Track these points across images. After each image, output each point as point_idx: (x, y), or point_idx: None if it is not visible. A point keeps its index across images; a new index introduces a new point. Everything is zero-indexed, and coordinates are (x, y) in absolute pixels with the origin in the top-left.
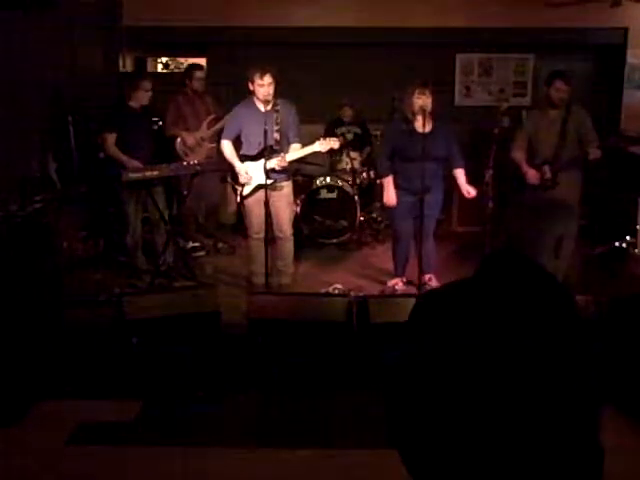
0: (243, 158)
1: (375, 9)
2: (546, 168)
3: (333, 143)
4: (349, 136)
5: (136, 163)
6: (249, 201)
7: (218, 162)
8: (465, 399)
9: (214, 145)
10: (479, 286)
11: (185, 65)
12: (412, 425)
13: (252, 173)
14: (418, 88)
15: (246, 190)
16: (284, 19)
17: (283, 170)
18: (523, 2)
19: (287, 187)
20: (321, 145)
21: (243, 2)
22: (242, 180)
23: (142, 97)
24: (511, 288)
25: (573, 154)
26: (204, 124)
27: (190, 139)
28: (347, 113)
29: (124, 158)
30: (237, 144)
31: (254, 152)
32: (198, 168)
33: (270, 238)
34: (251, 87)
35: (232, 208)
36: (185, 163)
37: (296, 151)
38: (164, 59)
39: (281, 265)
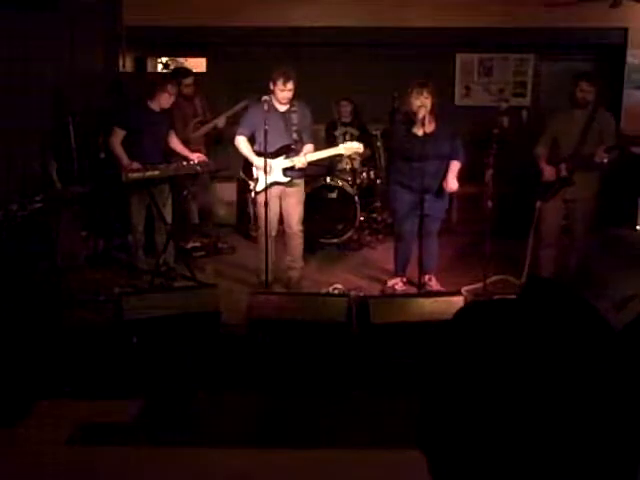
0: (258, 155)
1: (375, 9)
2: (562, 166)
3: (357, 148)
4: (347, 137)
5: (135, 164)
6: (262, 198)
7: (215, 163)
8: (494, 412)
9: (200, 147)
10: (522, 311)
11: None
12: (443, 426)
13: (270, 170)
14: (416, 88)
15: (259, 187)
16: (284, 19)
17: (300, 169)
18: (523, 2)
19: (300, 185)
20: (345, 149)
21: (243, 2)
22: (256, 174)
23: (165, 100)
24: (552, 321)
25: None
26: (189, 127)
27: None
28: (345, 109)
29: (124, 158)
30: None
31: (272, 150)
32: (198, 168)
33: (277, 234)
34: (272, 87)
35: (232, 208)
36: (185, 163)
37: (312, 152)
38: (164, 59)
39: (289, 260)
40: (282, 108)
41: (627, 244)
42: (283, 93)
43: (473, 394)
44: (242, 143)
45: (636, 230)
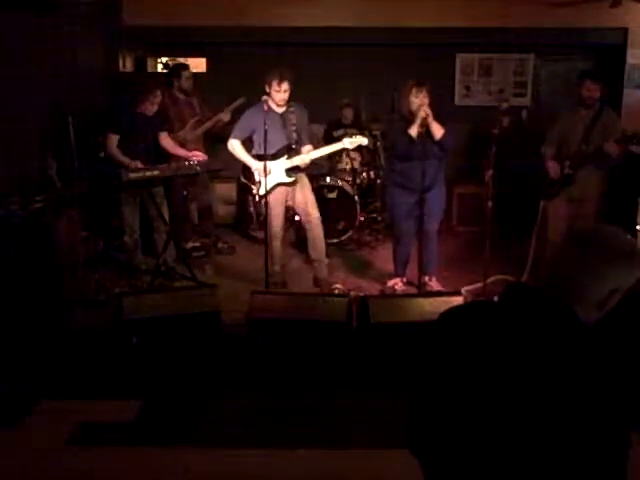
0: (257, 158)
1: (375, 9)
2: (566, 163)
3: (361, 140)
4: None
5: (136, 164)
6: (269, 200)
7: (214, 163)
8: (479, 411)
9: (199, 147)
10: (501, 315)
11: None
12: (432, 429)
13: (272, 171)
14: (414, 87)
15: (262, 190)
16: (284, 19)
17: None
18: (523, 2)
19: (304, 177)
20: (350, 142)
21: (243, 2)
22: (258, 177)
23: (147, 108)
24: (530, 325)
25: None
26: (187, 126)
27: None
28: (348, 114)
29: (125, 160)
30: (246, 144)
31: (273, 151)
32: (198, 169)
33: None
34: (267, 89)
35: (232, 208)
36: (186, 163)
37: (316, 150)
38: (164, 59)
39: (314, 256)
40: (279, 110)
41: (597, 240)
42: (279, 94)
43: (455, 396)
44: (236, 147)
45: (636, 230)
